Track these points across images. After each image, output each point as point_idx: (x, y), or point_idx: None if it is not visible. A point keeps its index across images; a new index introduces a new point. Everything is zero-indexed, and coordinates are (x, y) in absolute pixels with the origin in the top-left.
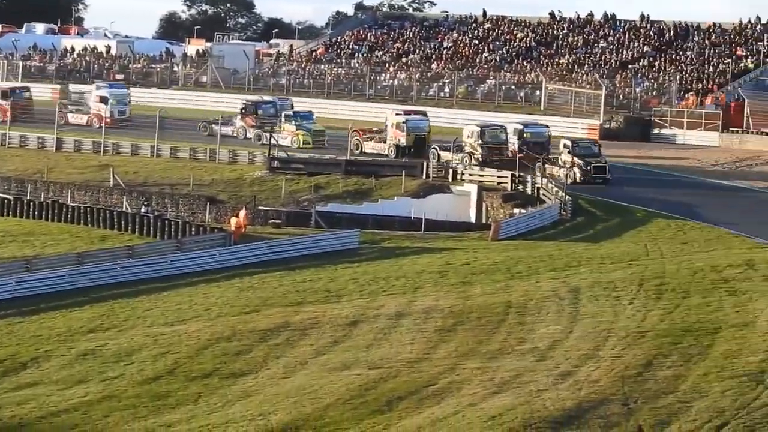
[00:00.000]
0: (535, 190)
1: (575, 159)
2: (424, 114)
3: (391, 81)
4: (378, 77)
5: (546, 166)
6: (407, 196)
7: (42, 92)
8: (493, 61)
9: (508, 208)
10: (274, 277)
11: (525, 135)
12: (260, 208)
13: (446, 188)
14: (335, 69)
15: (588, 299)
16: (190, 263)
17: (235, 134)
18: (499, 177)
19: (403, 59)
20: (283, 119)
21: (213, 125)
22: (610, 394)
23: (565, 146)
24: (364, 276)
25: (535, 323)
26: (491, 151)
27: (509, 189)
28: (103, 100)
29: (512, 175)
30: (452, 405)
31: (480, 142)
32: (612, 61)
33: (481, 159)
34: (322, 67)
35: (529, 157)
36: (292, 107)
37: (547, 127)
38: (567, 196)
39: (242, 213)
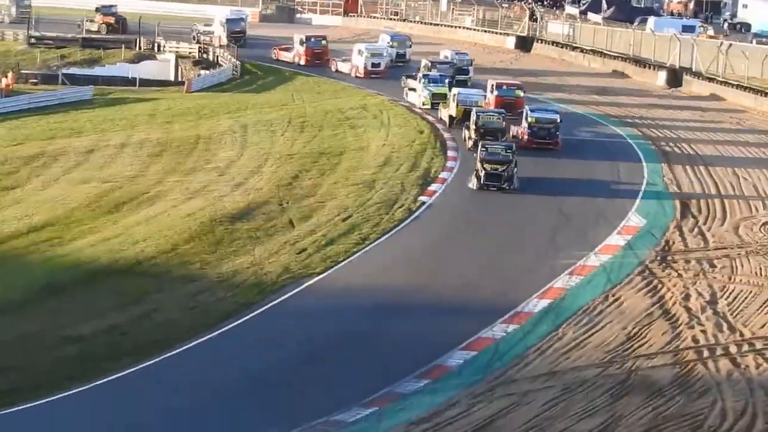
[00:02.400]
0: (215, 58)
1: (482, 165)
2: (519, 87)
3: None
4: None
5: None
6: (126, 62)
7: None
8: None
9: (197, 70)
10: (33, 120)
11: (530, 120)
12: (23, 71)
13: (153, 57)
14: None
15: (253, 132)
16: None
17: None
18: (189, 48)
19: None
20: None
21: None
22: (269, 197)
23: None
24: (96, 118)
25: (217, 150)
26: (483, 137)
27: (197, 57)
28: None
29: (199, 47)
30: (161, 207)
31: (474, 126)
32: None
33: (473, 142)
34: None
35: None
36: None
37: (558, 113)
38: (237, 61)
39: (10, 75)
